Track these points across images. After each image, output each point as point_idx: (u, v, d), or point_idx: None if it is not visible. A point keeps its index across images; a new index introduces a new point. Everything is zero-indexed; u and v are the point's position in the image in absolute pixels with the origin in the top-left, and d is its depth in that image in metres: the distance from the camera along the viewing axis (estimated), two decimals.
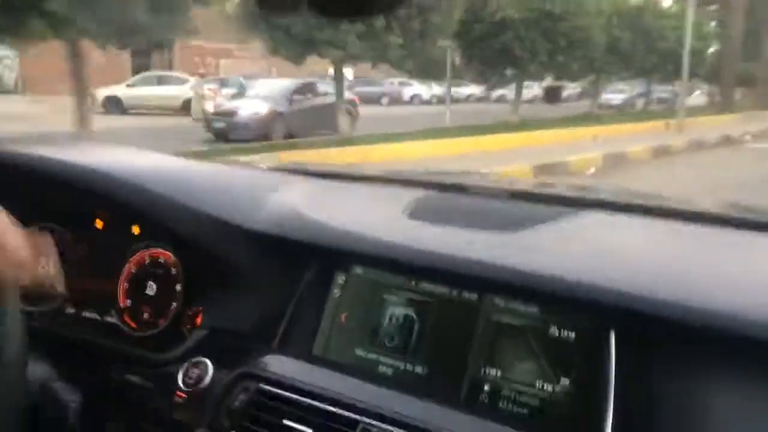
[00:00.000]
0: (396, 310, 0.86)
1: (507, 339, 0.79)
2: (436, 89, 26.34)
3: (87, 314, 1.03)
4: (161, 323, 0.98)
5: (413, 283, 0.86)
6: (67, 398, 0.81)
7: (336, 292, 0.90)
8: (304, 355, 0.87)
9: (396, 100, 26.62)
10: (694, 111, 18.41)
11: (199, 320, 0.96)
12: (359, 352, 0.87)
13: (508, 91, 21.69)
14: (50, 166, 0.98)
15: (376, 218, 0.99)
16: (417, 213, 0.97)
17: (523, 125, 13.29)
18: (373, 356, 0.86)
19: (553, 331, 0.76)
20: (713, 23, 23.50)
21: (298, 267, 0.92)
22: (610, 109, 22.39)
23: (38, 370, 0.80)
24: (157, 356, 0.91)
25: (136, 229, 1.02)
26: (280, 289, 0.91)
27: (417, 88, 27.65)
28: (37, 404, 0.77)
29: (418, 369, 0.83)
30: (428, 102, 26.72)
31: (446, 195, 1.11)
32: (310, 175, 1.22)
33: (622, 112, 21.43)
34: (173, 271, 0.99)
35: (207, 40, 18.80)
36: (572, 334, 0.75)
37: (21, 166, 1.00)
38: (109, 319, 1.01)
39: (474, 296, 0.82)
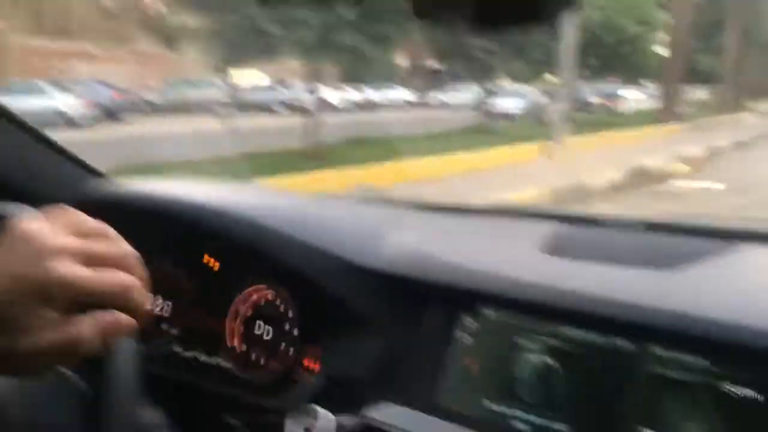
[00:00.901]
0: (533, 358, 0.77)
1: (670, 396, 0.69)
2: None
3: (197, 356, 1.00)
4: (274, 366, 0.93)
5: (553, 327, 0.77)
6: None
7: (462, 336, 0.83)
8: (427, 406, 0.80)
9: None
10: (623, 120, 15.22)
11: (315, 365, 0.91)
12: (489, 404, 0.78)
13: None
14: (159, 203, 0.98)
15: (505, 254, 0.91)
16: (551, 248, 0.88)
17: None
18: (505, 410, 0.77)
19: (730, 387, 0.66)
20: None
21: (420, 309, 0.85)
22: (505, 119, 15.41)
23: (147, 414, 0.77)
24: (269, 402, 0.87)
25: (248, 268, 0.98)
26: (401, 333, 0.85)
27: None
28: None
29: (559, 426, 0.73)
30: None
31: (579, 229, 1.01)
32: (430, 209, 1.17)
33: (488, 129, 13.88)
34: (289, 313, 0.94)
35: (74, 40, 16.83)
36: (755, 393, 0.64)
37: (129, 204, 1.01)
38: (219, 361, 0.98)
39: (629, 344, 0.72)
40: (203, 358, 0.98)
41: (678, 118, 16.35)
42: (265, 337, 0.95)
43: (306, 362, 0.92)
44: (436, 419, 0.77)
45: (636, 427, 0.69)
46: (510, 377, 0.78)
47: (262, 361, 0.94)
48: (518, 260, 0.87)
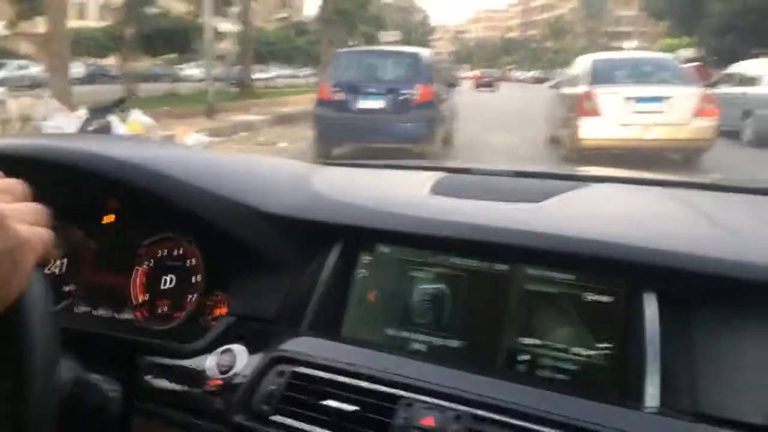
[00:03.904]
0: (425, 286, 0.85)
1: (542, 307, 0.79)
2: None
3: (102, 312, 0.99)
4: (178, 316, 0.95)
5: (441, 257, 0.85)
6: (107, 388, 0.80)
7: (361, 272, 0.89)
8: (335, 337, 0.85)
9: None
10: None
11: (219, 311, 0.93)
12: (390, 331, 0.85)
13: None
14: (58, 154, 0.93)
15: (395, 197, 0.98)
16: (436, 190, 0.97)
17: None
18: (405, 334, 0.85)
19: (589, 296, 0.77)
20: None
21: (322, 249, 0.90)
22: None
23: (66, 365, 0.76)
24: (182, 347, 0.88)
25: (149, 220, 0.98)
26: (305, 272, 0.90)
27: None
28: (78, 395, 0.75)
29: (452, 343, 0.82)
30: None
31: (458, 176, 1.11)
32: (333, 165, 1.22)
33: None
34: (190, 262, 0.96)
35: None
36: (609, 298, 0.76)
37: (28, 156, 0.94)
38: (125, 315, 0.98)
39: (506, 267, 0.81)
40: (110, 314, 0.98)
41: (254, 95, 18.42)
42: (168, 288, 0.97)
43: (212, 308, 0.94)
44: (342, 345, 0.82)
45: (516, 337, 0.79)
46: (406, 305, 0.86)
47: (166, 311, 0.96)
48: (407, 201, 0.94)
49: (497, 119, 14.56)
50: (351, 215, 0.90)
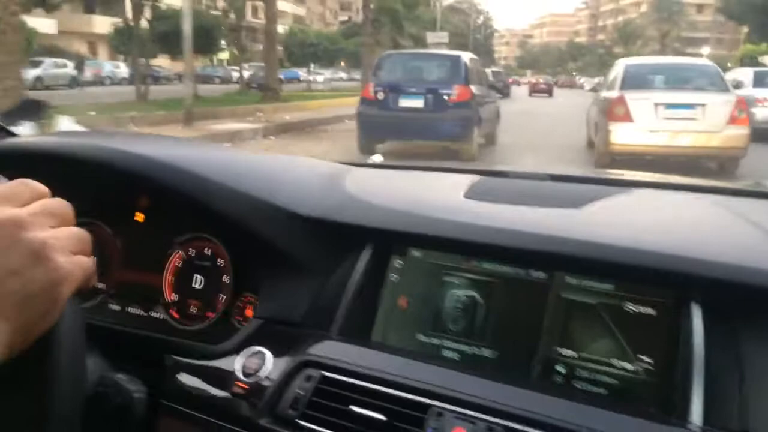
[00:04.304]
0: (458, 292, 0.83)
1: (580, 318, 0.76)
2: None
3: (132, 310, 1.00)
4: (210, 316, 0.95)
5: (474, 263, 0.83)
6: (132, 388, 0.78)
7: (393, 276, 0.88)
8: (364, 342, 0.84)
9: None
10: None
11: (249, 312, 0.94)
12: (421, 337, 0.84)
13: None
14: (90, 152, 0.93)
15: (428, 200, 0.97)
16: (471, 194, 0.95)
17: None
18: (436, 341, 0.83)
19: (631, 306, 0.74)
20: None
21: (352, 252, 0.89)
22: None
23: (93, 363, 0.77)
24: (210, 348, 0.88)
25: (180, 221, 0.98)
26: (335, 276, 0.89)
27: None
28: (102, 394, 0.75)
29: (485, 352, 0.80)
30: None
31: (493, 179, 1.09)
32: (364, 166, 1.21)
33: None
34: (220, 262, 0.96)
35: None
36: (652, 309, 0.73)
37: (58, 154, 0.94)
38: (155, 314, 0.98)
39: (543, 275, 0.79)
40: (141, 312, 0.99)
41: (278, 99, 17.18)
42: (198, 288, 0.97)
43: (241, 309, 0.94)
44: (372, 351, 0.81)
45: (552, 348, 0.76)
46: (438, 312, 0.84)
47: (197, 311, 0.96)
48: (441, 205, 0.92)
49: (540, 125, 14.32)
50: (383, 218, 0.89)
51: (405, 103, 8.28)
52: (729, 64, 25.52)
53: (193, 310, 0.97)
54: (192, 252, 0.99)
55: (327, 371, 0.77)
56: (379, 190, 1.00)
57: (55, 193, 0.50)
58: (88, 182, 0.93)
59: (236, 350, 0.85)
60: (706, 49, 57.52)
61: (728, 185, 1.19)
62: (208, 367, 0.86)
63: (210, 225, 0.96)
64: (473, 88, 8.39)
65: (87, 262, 0.48)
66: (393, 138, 8.74)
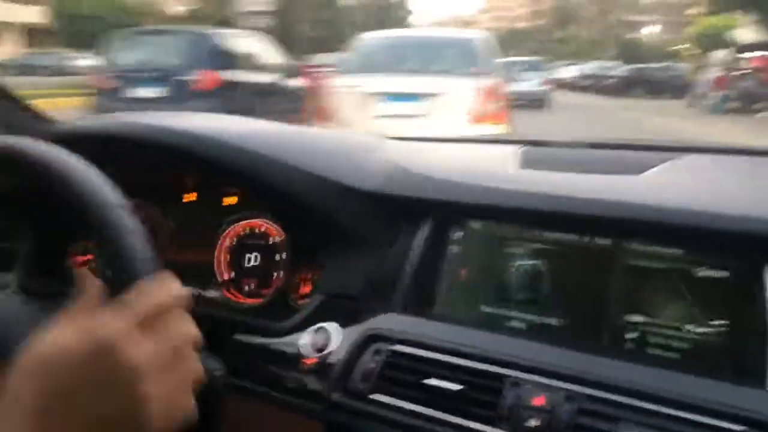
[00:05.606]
0: (521, 262, 0.83)
1: (648, 284, 0.76)
2: None
3: (190, 290, 0.98)
4: (265, 294, 0.96)
5: (536, 233, 0.83)
6: (212, 366, 0.77)
7: (453, 248, 0.88)
8: (427, 315, 0.84)
9: None
10: None
11: (306, 288, 0.94)
12: (486, 308, 0.84)
13: None
14: (139, 130, 0.93)
15: (483, 171, 0.96)
16: (525, 163, 0.94)
17: None
18: (502, 311, 0.83)
19: (701, 271, 0.74)
20: None
21: (410, 225, 0.89)
22: None
23: None
24: (272, 326, 0.89)
25: (232, 199, 0.99)
26: (395, 249, 0.89)
27: None
28: None
29: (553, 321, 0.80)
30: None
31: (542, 148, 1.08)
32: (403, 139, 1.19)
33: None
34: (273, 239, 0.96)
35: None
36: (723, 273, 0.73)
37: (108, 135, 0.95)
38: (210, 293, 0.98)
39: (608, 241, 0.79)
40: (197, 292, 0.98)
41: None
42: (252, 266, 0.97)
43: (299, 286, 0.94)
44: (437, 323, 0.81)
45: (620, 315, 0.76)
46: (501, 282, 0.84)
47: (253, 289, 0.96)
48: (498, 175, 0.92)
49: None
50: (442, 190, 0.89)
51: (142, 92, 6.99)
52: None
53: (247, 288, 0.97)
54: (245, 230, 0.99)
55: (395, 344, 0.78)
56: (431, 163, 0.99)
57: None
58: (137, 162, 0.94)
59: (300, 327, 0.86)
60: (652, 28, 56.52)
61: None
62: (274, 344, 0.87)
63: (264, 203, 0.96)
64: (230, 75, 7.04)
65: (195, 368, 0.46)
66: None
